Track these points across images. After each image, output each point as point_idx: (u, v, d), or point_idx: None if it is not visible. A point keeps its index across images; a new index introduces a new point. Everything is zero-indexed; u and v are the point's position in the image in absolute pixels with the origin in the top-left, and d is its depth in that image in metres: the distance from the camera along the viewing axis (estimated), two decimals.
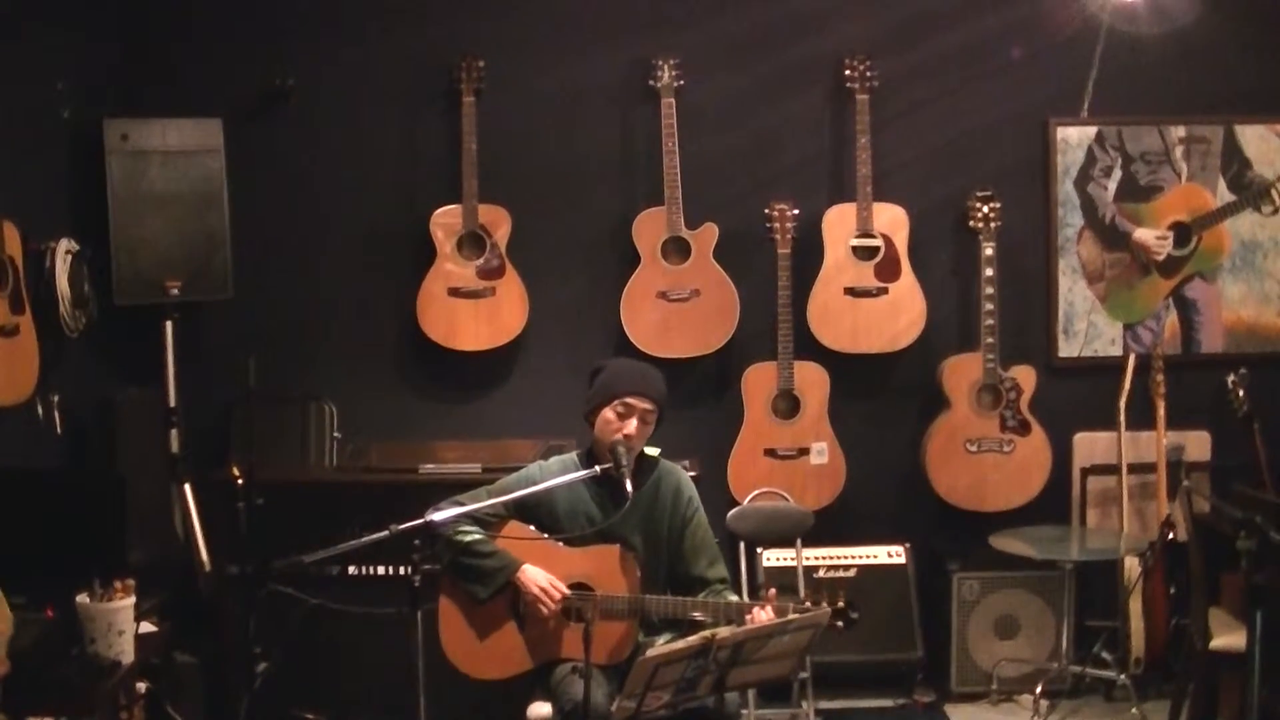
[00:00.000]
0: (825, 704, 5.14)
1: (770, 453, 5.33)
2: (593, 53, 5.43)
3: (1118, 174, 5.53)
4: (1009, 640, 5.30)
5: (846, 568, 5.32)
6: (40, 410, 4.48)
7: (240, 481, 4.55)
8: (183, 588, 4.67)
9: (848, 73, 5.31)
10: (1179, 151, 5.53)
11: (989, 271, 5.28)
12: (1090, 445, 5.48)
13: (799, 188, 5.41)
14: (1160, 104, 5.50)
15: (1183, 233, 5.55)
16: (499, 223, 5.30)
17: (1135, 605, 5.15)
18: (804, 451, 5.33)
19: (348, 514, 4.54)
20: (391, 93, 5.43)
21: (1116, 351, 5.55)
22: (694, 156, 5.35)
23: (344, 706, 4.76)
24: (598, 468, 3.78)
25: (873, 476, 5.50)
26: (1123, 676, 5.06)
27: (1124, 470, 5.35)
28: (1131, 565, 5.15)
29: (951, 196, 5.44)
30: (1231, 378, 5.28)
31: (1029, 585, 5.28)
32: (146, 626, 3.98)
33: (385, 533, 3.44)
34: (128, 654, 3.72)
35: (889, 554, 5.35)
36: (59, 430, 4.59)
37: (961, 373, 5.35)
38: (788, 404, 5.34)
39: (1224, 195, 5.55)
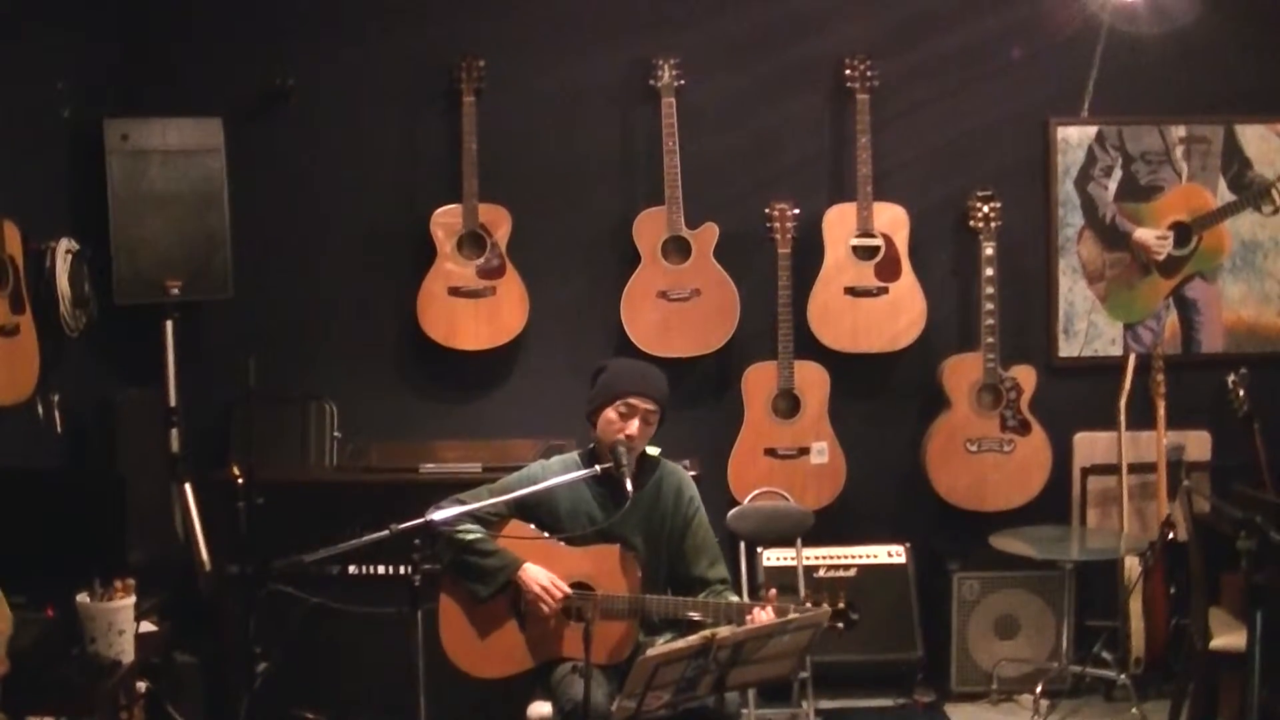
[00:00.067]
0: (825, 704, 5.14)
1: (770, 452, 5.33)
2: (593, 53, 5.43)
3: (1118, 174, 5.53)
4: (1009, 640, 5.30)
5: (847, 567, 5.32)
6: (40, 410, 4.48)
7: (240, 481, 4.55)
8: (183, 587, 4.67)
9: (848, 72, 5.31)
10: (1179, 151, 5.53)
11: (989, 271, 5.28)
12: (1090, 445, 5.48)
13: (799, 187, 5.41)
14: (1161, 104, 5.50)
15: (1183, 233, 5.55)
16: (499, 222, 5.30)
17: (1135, 605, 5.15)
18: (804, 451, 5.33)
19: (348, 514, 4.54)
20: (392, 92, 5.43)
21: (1117, 351, 5.55)
22: (694, 156, 5.35)
23: (344, 706, 4.76)
24: (598, 467, 3.78)
25: (873, 476, 5.51)
26: (1123, 676, 5.06)
27: (1124, 470, 5.35)
28: (1131, 565, 5.15)
29: (952, 196, 5.44)
30: (1232, 378, 5.28)
31: (1029, 585, 5.28)
32: (147, 626, 3.98)
33: (385, 532, 3.44)
34: (128, 653, 3.72)
35: (889, 554, 5.36)
36: (59, 430, 4.59)
37: (962, 372, 5.35)
38: (788, 404, 5.34)
39: (1224, 195, 5.55)
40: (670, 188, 5.26)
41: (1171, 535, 5.09)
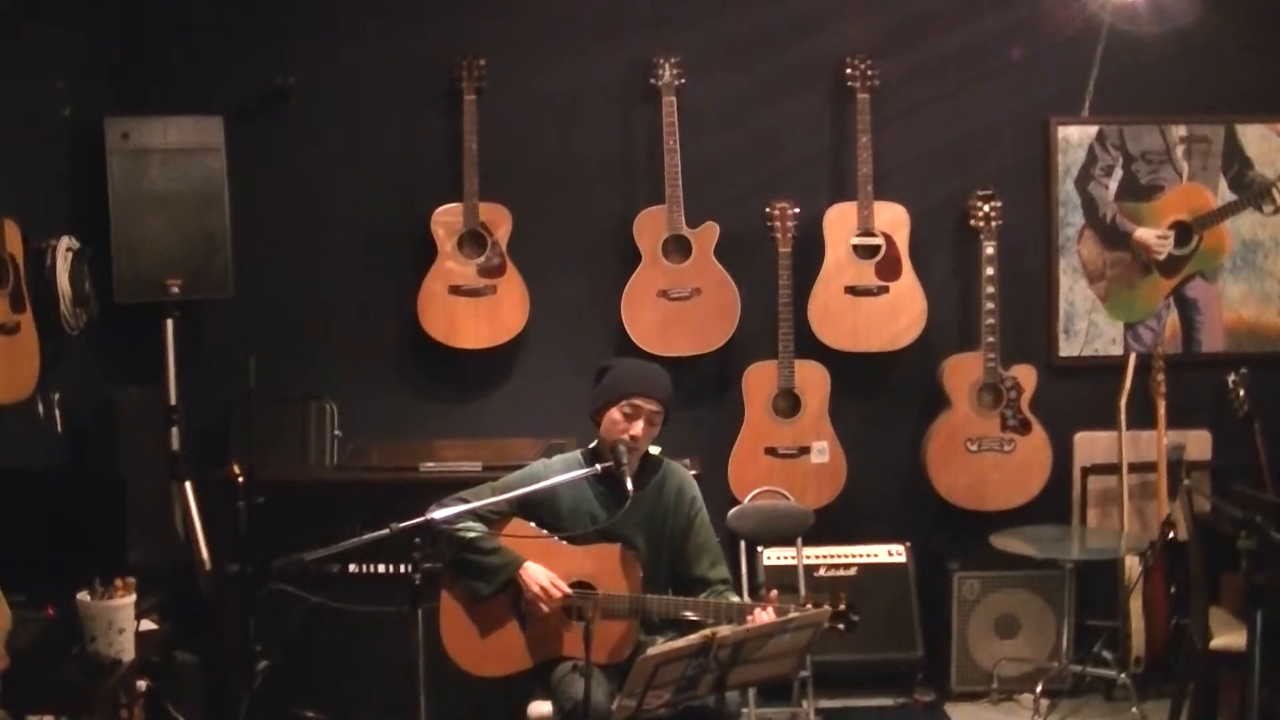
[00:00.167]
0: (825, 703, 5.14)
1: (771, 451, 5.33)
2: (593, 52, 5.43)
3: (1119, 173, 5.53)
4: (1009, 639, 5.30)
5: (847, 567, 5.32)
6: (40, 409, 4.48)
7: (240, 480, 4.55)
8: (183, 586, 4.67)
9: (849, 71, 5.31)
10: (1180, 151, 5.53)
11: (990, 271, 5.28)
12: (1091, 444, 5.48)
13: (800, 187, 5.42)
14: (1161, 103, 5.50)
15: (1183, 232, 5.55)
16: (500, 221, 5.30)
17: (1135, 605, 5.15)
18: (804, 450, 5.33)
19: (348, 513, 4.55)
20: (392, 91, 5.43)
21: (1117, 351, 5.55)
22: (695, 155, 5.35)
23: (344, 705, 4.76)
24: (598, 466, 3.78)
25: (873, 475, 5.51)
26: (1123, 676, 5.06)
27: (1124, 470, 5.35)
28: (1132, 565, 5.15)
29: (952, 196, 5.44)
30: (1232, 377, 5.28)
31: (1029, 584, 5.28)
32: (147, 625, 3.98)
33: (385, 531, 3.44)
34: (128, 652, 3.72)
35: (889, 553, 5.36)
36: (59, 429, 4.59)
37: (962, 372, 5.35)
38: (788, 403, 5.34)
39: (1225, 195, 5.55)
40: (671, 187, 5.26)
41: (1172, 535, 5.09)
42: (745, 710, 4.73)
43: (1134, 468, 5.37)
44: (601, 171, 5.48)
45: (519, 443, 5.07)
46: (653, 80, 5.29)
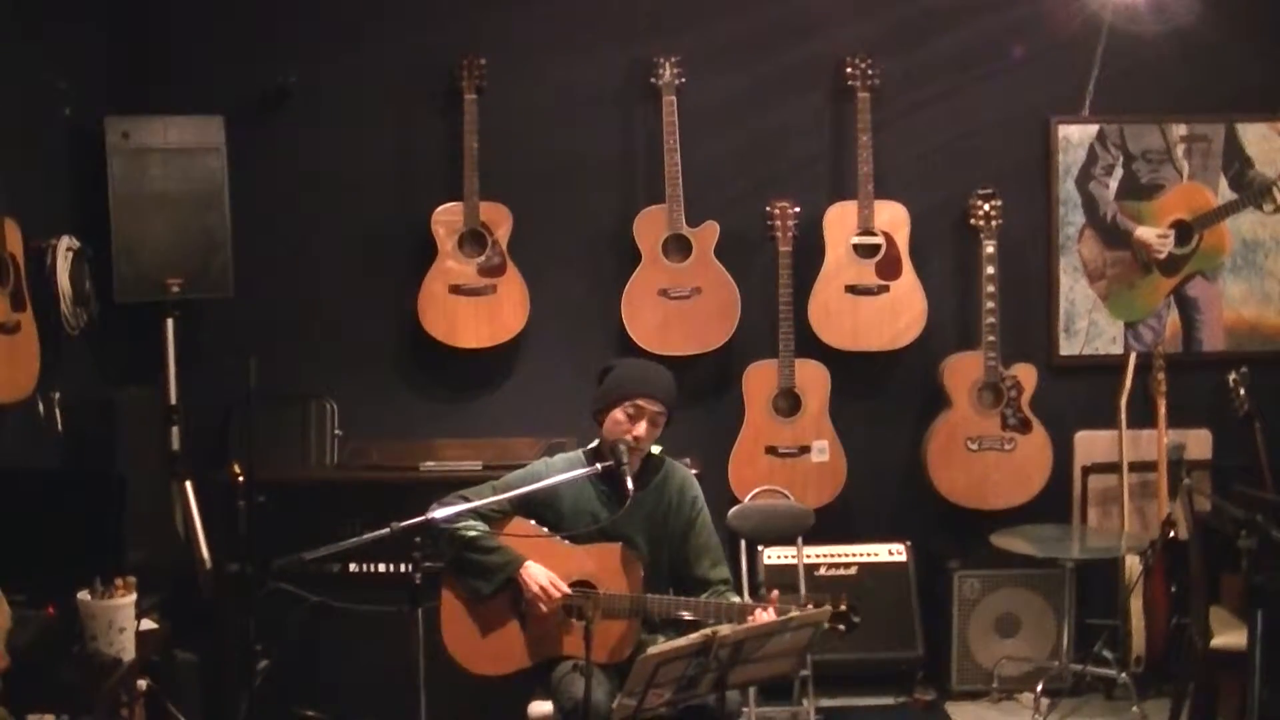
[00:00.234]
0: (826, 702, 5.15)
1: (771, 451, 5.33)
2: (594, 52, 5.44)
3: (1119, 172, 5.53)
4: (1009, 639, 5.30)
5: (847, 566, 5.32)
6: (41, 408, 4.48)
7: (241, 479, 4.55)
8: (183, 586, 4.66)
9: (849, 70, 5.31)
10: (1180, 150, 5.53)
11: (990, 270, 5.28)
12: (1091, 444, 5.48)
13: (800, 186, 5.42)
14: (1161, 102, 5.51)
15: (1184, 231, 5.56)
16: (500, 221, 5.30)
17: (1136, 604, 5.16)
18: (805, 450, 5.33)
19: (349, 512, 4.56)
20: (392, 91, 5.43)
21: (1117, 350, 5.55)
22: (695, 155, 5.35)
23: (345, 705, 4.76)
24: (598, 465, 3.78)
25: (873, 475, 5.51)
26: (1123, 675, 5.06)
27: (1125, 469, 5.35)
28: (1132, 564, 5.15)
29: (952, 195, 5.44)
30: (1232, 376, 5.28)
31: (1030, 584, 5.28)
32: (147, 624, 3.97)
33: (386, 530, 3.44)
34: (128, 651, 3.71)
35: (890, 552, 5.36)
36: (59, 428, 4.59)
37: (962, 371, 5.35)
38: (788, 402, 5.34)
39: (1225, 194, 5.55)
40: (671, 186, 5.26)
41: (1172, 534, 5.09)
42: (746, 709, 4.72)
43: (1134, 467, 5.38)
44: (602, 171, 5.48)
45: (519, 442, 5.07)
46: (653, 80, 5.29)
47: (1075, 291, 5.55)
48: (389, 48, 5.40)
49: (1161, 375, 5.33)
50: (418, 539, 3.46)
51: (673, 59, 5.27)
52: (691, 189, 5.29)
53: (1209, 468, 5.43)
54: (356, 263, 5.48)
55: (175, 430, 5.02)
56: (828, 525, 5.18)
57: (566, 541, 3.81)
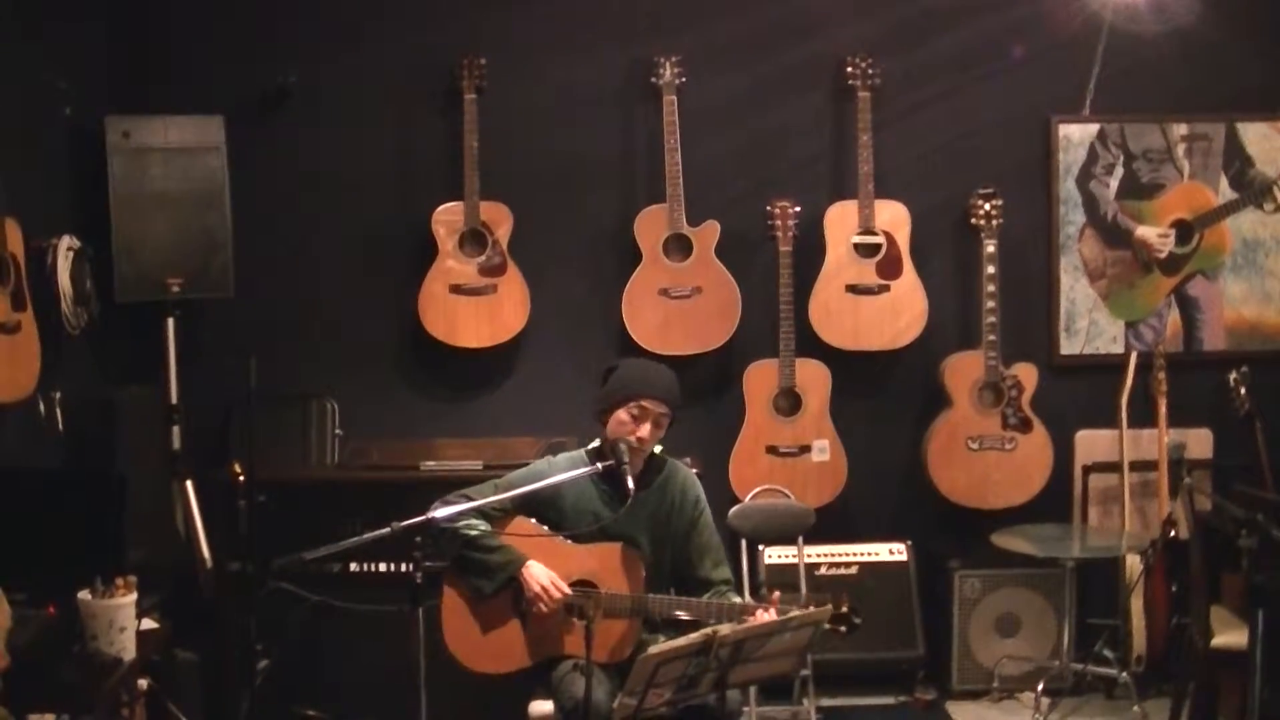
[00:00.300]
0: (826, 701, 5.15)
1: (771, 450, 5.33)
2: (594, 51, 5.44)
3: (1119, 172, 5.53)
4: (1010, 638, 5.30)
5: (848, 565, 5.32)
6: (41, 408, 4.48)
7: (241, 479, 4.55)
8: (184, 585, 4.66)
9: (850, 70, 5.31)
10: (1181, 149, 5.53)
11: (990, 269, 5.27)
12: (1091, 443, 5.48)
13: (800, 186, 5.42)
14: (1162, 102, 5.51)
15: (1184, 231, 5.56)
16: (500, 220, 5.30)
17: (1136, 603, 5.15)
18: (805, 449, 5.33)
19: (349, 511, 4.56)
20: (392, 91, 5.43)
21: (1118, 349, 5.55)
22: (695, 154, 5.35)
23: (345, 704, 4.76)
24: (599, 465, 3.78)
25: (874, 474, 5.51)
26: (1124, 675, 5.06)
27: (1125, 468, 5.35)
28: (1133, 563, 5.15)
29: (953, 194, 5.44)
30: (1233, 376, 5.28)
31: (1030, 583, 5.28)
32: (148, 623, 3.97)
33: (386, 530, 3.44)
34: (129, 651, 3.71)
35: (890, 551, 5.36)
36: (60, 428, 4.58)
37: (963, 370, 5.35)
38: (789, 402, 5.34)
39: (1226, 193, 5.55)
40: (671, 185, 5.26)
41: (1173, 534, 5.09)
42: (746, 709, 4.73)
43: (1135, 466, 5.38)
44: (602, 170, 5.48)
45: (520, 441, 5.07)
46: (654, 79, 5.29)
47: (1076, 291, 5.55)
48: (389, 48, 5.40)
49: (1162, 375, 5.33)
50: (418, 538, 3.46)
51: (673, 58, 5.27)
52: (692, 188, 5.29)
53: (1210, 467, 5.43)
54: (357, 262, 5.48)
55: (176, 430, 5.02)
56: (828, 525, 5.18)
57: (568, 541, 3.81)
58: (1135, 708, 4.97)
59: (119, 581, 3.71)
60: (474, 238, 5.30)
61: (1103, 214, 5.54)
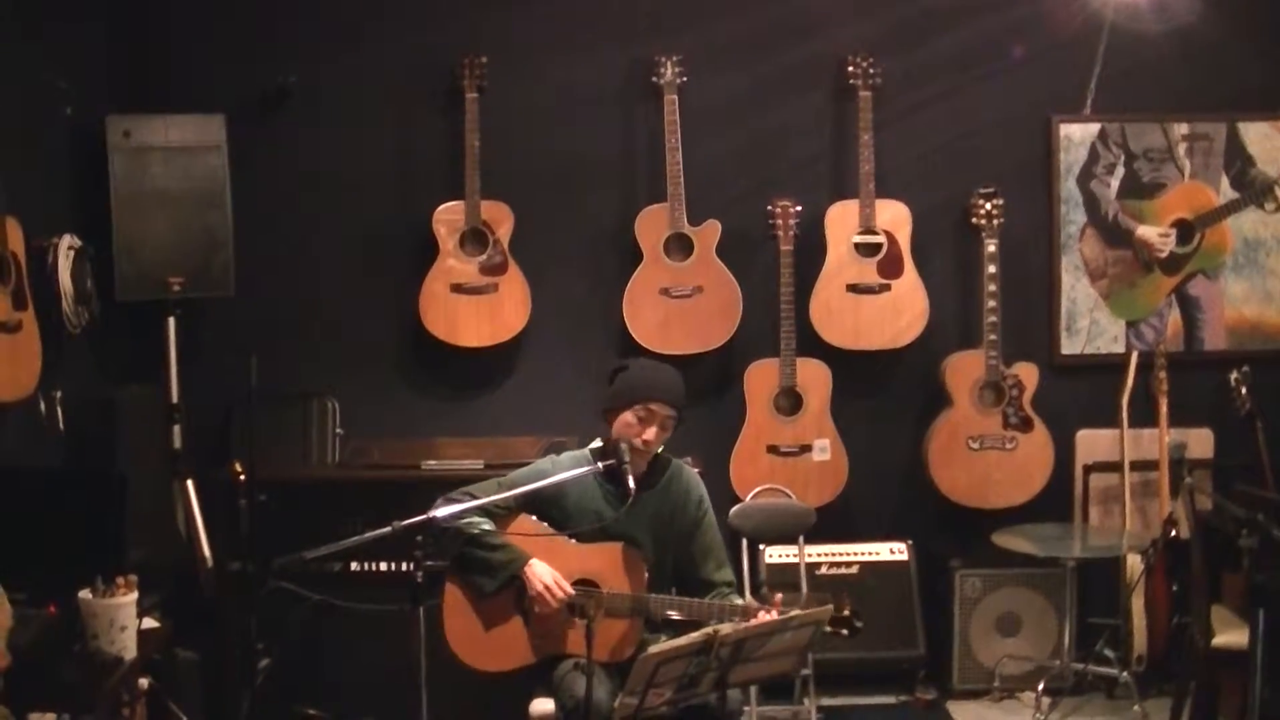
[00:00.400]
0: (827, 701, 5.15)
1: (772, 450, 5.33)
2: (595, 51, 5.44)
3: (1120, 171, 5.53)
4: (1011, 638, 5.30)
5: (848, 565, 5.32)
6: (42, 407, 4.48)
7: (242, 478, 4.55)
8: (185, 584, 4.67)
9: (850, 69, 5.31)
10: (1182, 149, 5.53)
11: (991, 269, 5.27)
12: (1092, 442, 5.48)
13: (801, 185, 5.42)
14: (1163, 101, 5.51)
15: (1185, 230, 5.55)
16: (501, 219, 5.30)
17: (1137, 603, 5.15)
18: (806, 448, 5.33)
19: (350, 510, 4.56)
20: (393, 90, 5.43)
21: (1119, 349, 5.55)
22: (696, 154, 5.35)
23: (346, 703, 4.76)
24: (600, 464, 3.78)
25: (875, 473, 5.51)
26: (1124, 674, 5.06)
27: (1126, 468, 5.35)
28: (1133, 563, 5.15)
29: (954, 194, 5.44)
30: (1234, 375, 5.28)
31: (1031, 583, 5.28)
32: (149, 623, 3.97)
33: (387, 529, 3.43)
34: (130, 650, 3.71)
35: (891, 551, 5.36)
36: (60, 427, 4.58)
37: (964, 370, 5.35)
38: (790, 401, 5.33)
39: (1227, 193, 5.55)
40: (672, 185, 5.26)
41: (1173, 533, 5.09)
42: (747, 708, 4.73)
43: (1136, 466, 5.38)
44: (603, 170, 5.48)
45: (520, 441, 5.07)
46: (654, 78, 5.29)
47: (1077, 290, 5.55)
48: (389, 47, 5.40)
49: (1163, 374, 5.33)
50: (419, 538, 3.45)
51: (674, 58, 5.27)
52: (693, 188, 5.29)
53: (1210, 467, 5.43)
54: (358, 262, 5.48)
55: (176, 429, 5.02)
56: (829, 524, 5.19)
57: (571, 540, 3.81)
58: (1136, 707, 4.97)
59: (120, 581, 3.71)
60: (475, 237, 5.30)
61: (1104, 213, 5.54)
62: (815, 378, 5.33)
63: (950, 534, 5.46)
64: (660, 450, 3.99)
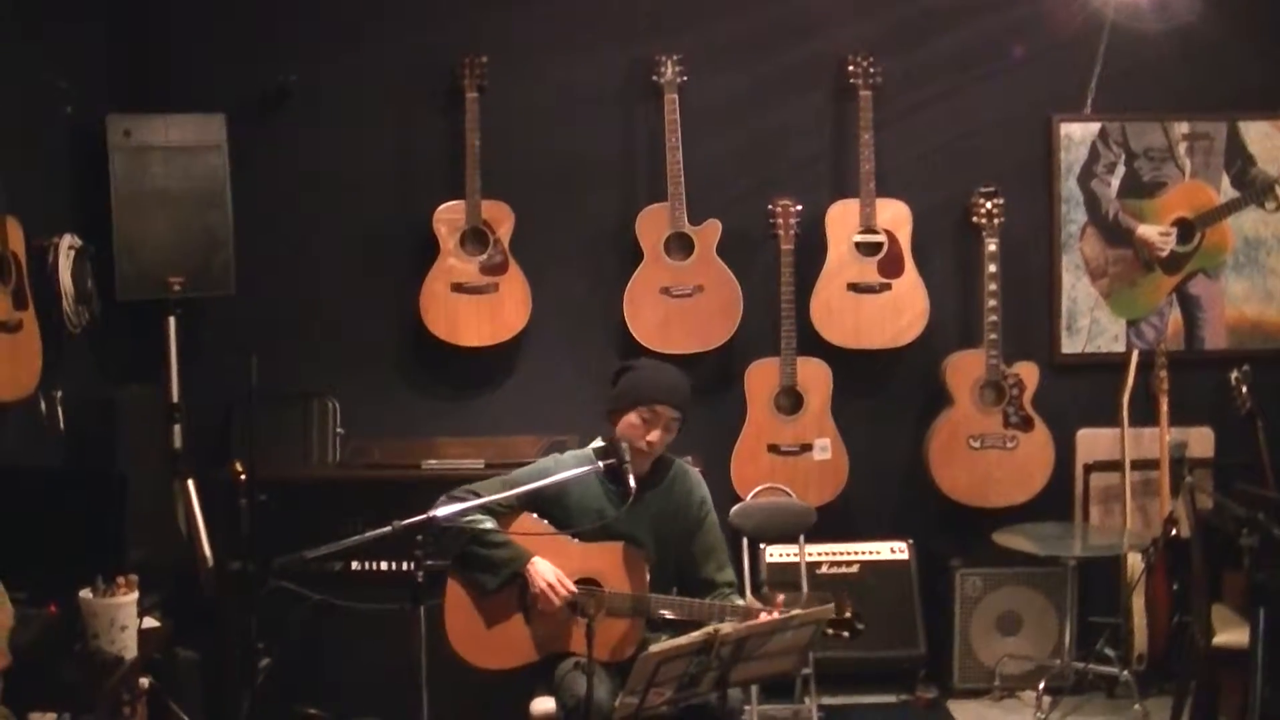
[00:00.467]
0: (828, 700, 5.14)
1: (773, 449, 5.33)
2: (595, 50, 5.43)
3: (1121, 170, 5.53)
4: (1011, 637, 5.30)
5: (849, 564, 5.32)
6: (42, 406, 4.48)
7: (243, 478, 4.55)
8: (185, 584, 4.67)
9: (851, 69, 5.31)
10: (1182, 148, 5.53)
11: (992, 268, 5.27)
12: (1093, 442, 5.48)
13: (802, 184, 5.42)
14: (1164, 100, 5.51)
15: (1186, 229, 5.55)
16: (502, 219, 5.30)
17: (1138, 602, 5.15)
18: (807, 448, 5.33)
19: (350, 510, 4.56)
20: (393, 90, 5.43)
21: (1119, 348, 5.55)
22: (696, 153, 5.35)
23: (346, 703, 4.76)
24: (600, 463, 3.77)
25: (875, 473, 5.51)
26: (1125, 673, 5.06)
27: (1127, 467, 5.35)
28: (1134, 562, 5.15)
29: (954, 193, 5.44)
30: (1234, 374, 5.28)
31: (1031, 582, 5.28)
32: (149, 622, 3.97)
33: (388, 529, 3.43)
34: (130, 650, 3.71)
35: (891, 550, 5.36)
36: (61, 426, 4.58)
37: (964, 369, 5.35)
38: (790, 400, 5.33)
39: (1227, 192, 5.55)
40: (673, 184, 5.26)
41: (1174, 532, 5.09)
42: (747, 708, 4.73)
43: (1136, 465, 5.37)
44: (603, 169, 5.48)
45: (521, 440, 5.07)
46: (655, 78, 5.29)
47: (1077, 289, 5.55)
48: (389, 47, 5.40)
49: (1163, 373, 5.33)
50: (419, 537, 3.45)
51: (674, 57, 5.27)
52: (693, 187, 5.29)
53: (1211, 466, 5.42)
54: (358, 261, 5.48)
55: (177, 428, 5.02)
56: (829, 523, 5.19)
57: (574, 539, 3.81)
58: (1136, 706, 4.97)
59: (120, 580, 3.71)
60: (475, 236, 5.30)
61: (1104, 213, 5.53)
62: (816, 377, 5.33)
63: (951, 533, 5.46)
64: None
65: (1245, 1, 5.44)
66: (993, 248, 5.28)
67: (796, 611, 3.43)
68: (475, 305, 5.30)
